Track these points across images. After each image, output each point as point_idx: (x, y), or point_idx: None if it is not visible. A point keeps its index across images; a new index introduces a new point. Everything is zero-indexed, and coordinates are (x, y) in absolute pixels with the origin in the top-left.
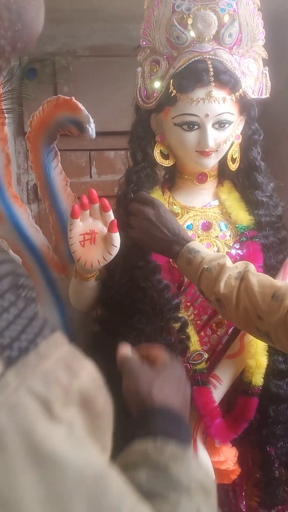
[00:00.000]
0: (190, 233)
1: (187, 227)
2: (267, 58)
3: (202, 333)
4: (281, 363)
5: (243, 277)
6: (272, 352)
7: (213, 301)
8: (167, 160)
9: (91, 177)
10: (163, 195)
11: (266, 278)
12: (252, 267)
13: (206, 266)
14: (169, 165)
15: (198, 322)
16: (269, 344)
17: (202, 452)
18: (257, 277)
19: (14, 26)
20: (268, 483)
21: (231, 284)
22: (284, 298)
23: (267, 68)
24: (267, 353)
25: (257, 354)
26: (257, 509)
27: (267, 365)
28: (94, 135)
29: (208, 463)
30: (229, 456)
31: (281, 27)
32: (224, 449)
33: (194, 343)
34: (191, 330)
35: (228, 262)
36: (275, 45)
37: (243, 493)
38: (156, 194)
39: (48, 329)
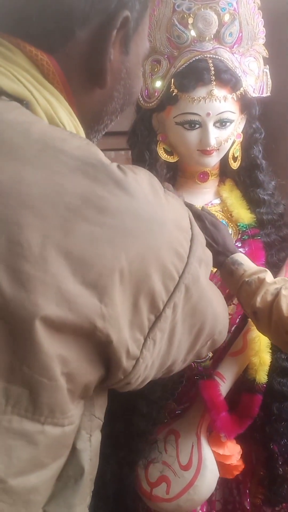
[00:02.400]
0: None
1: None
2: (267, 56)
3: None
4: (284, 360)
5: (277, 295)
6: (275, 349)
7: (250, 314)
8: (171, 157)
9: None
10: None
11: None
12: None
13: (246, 279)
14: (174, 161)
15: None
16: None
17: (206, 449)
18: None
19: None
20: (272, 481)
21: (267, 299)
22: None
23: (267, 66)
24: (271, 351)
25: (261, 352)
26: (261, 506)
27: (270, 362)
28: None
29: (212, 461)
30: (233, 451)
31: (282, 25)
32: (229, 444)
33: None
34: None
35: (268, 278)
36: (276, 43)
37: (247, 491)
38: None
39: None
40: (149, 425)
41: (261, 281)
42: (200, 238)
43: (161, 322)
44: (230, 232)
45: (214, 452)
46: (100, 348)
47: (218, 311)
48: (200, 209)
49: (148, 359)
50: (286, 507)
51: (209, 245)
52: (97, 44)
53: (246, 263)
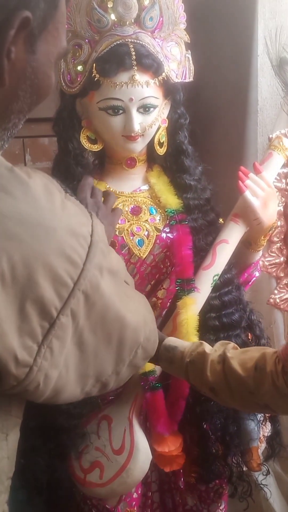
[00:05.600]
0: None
1: None
2: (189, 42)
3: None
4: (212, 341)
5: (224, 361)
6: (203, 331)
7: (208, 392)
8: (95, 145)
9: (25, 164)
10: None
11: (244, 352)
12: (230, 345)
13: (188, 360)
14: (97, 150)
15: None
16: (273, 414)
17: (139, 432)
18: (236, 356)
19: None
20: (205, 459)
21: (216, 369)
22: (265, 366)
23: (189, 52)
24: (198, 333)
25: (189, 334)
26: (195, 484)
27: None
28: None
29: (145, 443)
30: (176, 444)
31: (204, 11)
32: (171, 438)
33: None
34: None
35: (207, 348)
36: (201, 28)
37: (181, 470)
38: (99, 187)
39: None
40: (74, 421)
41: (202, 355)
42: (102, 245)
43: (57, 330)
44: (158, 217)
45: (155, 450)
46: None
47: (138, 318)
48: None
49: (47, 368)
50: (220, 483)
51: None
52: None
53: (179, 344)
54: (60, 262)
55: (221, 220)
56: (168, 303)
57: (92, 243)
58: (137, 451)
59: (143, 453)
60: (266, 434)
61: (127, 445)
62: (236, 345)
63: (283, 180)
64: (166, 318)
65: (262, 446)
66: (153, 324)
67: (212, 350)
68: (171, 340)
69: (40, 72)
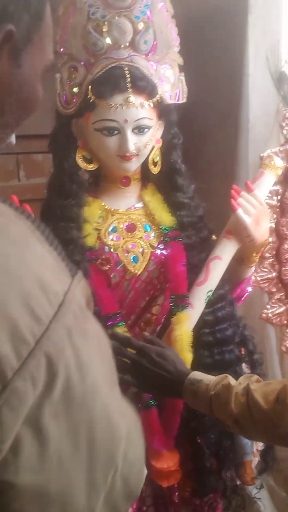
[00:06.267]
0: (114, 235)
1: (111, 230)
2: (182, 64)
3: (132, 333)
4: (206, 357)
5: (248, 393)
6: (197, 347)
7: (232, 425)
8: (90, 165)
9: (19, 180)
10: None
11: (267, 385)
12: (254, 378)
13: (213, 393)
14: (92, 169)
15: (128, 322)
16: None
17: None
18: (259, 389)
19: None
20: (200, 473)
21: (240, 401)
22: (286, 398)
23: (183, 74)
24: (192, 348)
25: (183, 350)
26: (190, 498)
27: (193, 360)
28: (13, 141)
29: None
30: (173, 460)
31: (196, 33)
32: (167, 454)
33: None
34: (122, 331)
35: (232, 381)
36: (193, 50)
37: (176, 485)
38: (95, 204)
39: None
40: None
41: (227, 387)
42: (76, 308)
43: (9, 396)
44: (153, 234)
45: (153, 466)
46: None
47: (120, 420)
48: (145, 338)
49: None
50: (214, 497)
51: (163, 378)
52: None
53: (205, 377)
54: (22, 314)
55: (214, 237)
56: (163, 319)
57: (64, 302)
58: None
59: None
60: (259, 448)
61: None
62: (259, 377)
63: (275, 198)
64: (161, 334)
65: (256, 460)
66: (139, 447)
67: (236, 383)
68: (196, 374)
69: (26, 86)
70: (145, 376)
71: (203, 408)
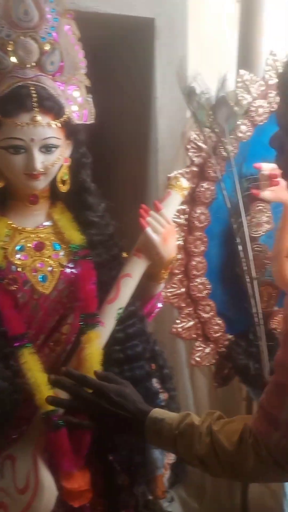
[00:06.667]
0: (22, 254)
1: (19, 248)
2: (89, 86)
3: (41, 353)
4: (116, 374)
5: (211, 434)
6: (107, 365)
7: (198, 465)
8: None
9: None
10: None
11: (229, 423)
12: (216, 415)
13: (177, 432)
14: None
15: (37, 341)
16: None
17: (43, 470)
18: (221, 429)
19: None
20: (111, 491)
21: (205, 442)
22: (247, 439)
23: (91, 95)
24: (102, 367)
25: (93, 368)
26: None
27: None
28: None
29: (50, 480)
30: (84, 480)
31: (105, 55)
32: (78, 474)
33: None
34: (29, 352)
35: (194, 418)
36: (101, 72)
37: (87, 504)
38: (1, 223)
39: None
40: None
41: (191, 426)
42: None
43: None
44: (62, 253)
45: (64, 486)
46: None
47: None
48: (101, 374)
49: None
50: None
51: (123, 418)
52: None
53: (166, 416)
54: None
55: (125, 254)
56: (73, 338)
57: None
58: (42, 489)
59: (48, 491)
60: (170, 462)
61: (31, 484)
62: (221, 413)
63: (182, 216)
64: (71, 353)
65: (167, 473)
66: None
67: (199, 421)
68: (157, 412)
69: None
70: (104, 416)
71: (167, 448)
